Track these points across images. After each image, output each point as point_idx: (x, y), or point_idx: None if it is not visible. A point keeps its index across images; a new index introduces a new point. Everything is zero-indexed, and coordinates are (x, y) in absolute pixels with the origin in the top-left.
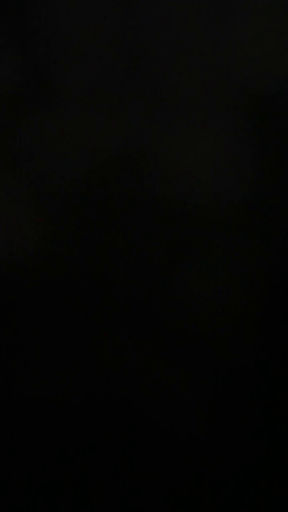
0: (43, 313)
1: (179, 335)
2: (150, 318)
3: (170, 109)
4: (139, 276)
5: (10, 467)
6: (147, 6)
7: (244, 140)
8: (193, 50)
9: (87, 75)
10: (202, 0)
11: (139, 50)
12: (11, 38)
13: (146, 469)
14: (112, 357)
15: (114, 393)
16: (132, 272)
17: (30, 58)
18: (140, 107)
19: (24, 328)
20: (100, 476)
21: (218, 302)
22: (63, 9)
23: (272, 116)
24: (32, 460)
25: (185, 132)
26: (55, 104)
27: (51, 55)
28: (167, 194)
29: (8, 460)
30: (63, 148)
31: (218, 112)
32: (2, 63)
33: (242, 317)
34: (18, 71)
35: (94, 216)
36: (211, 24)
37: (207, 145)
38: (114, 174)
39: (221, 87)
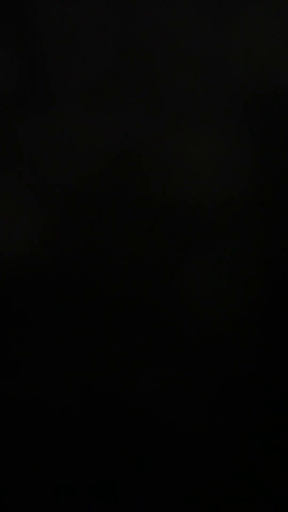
0: (43, 312)
1: (180, 335)
2: (150, 317)
3: (170, 109)
4: (139, 275)
5: (10, 467)
6: (147, 7)
7: (244, 140)
8: (193, 50)
9: (87, 76)
10: (202, 0)
11: (139, 51)
12: (11, 38)
13: (146, 469)
14: (112, 357)
15: (114, 393)
16: (132, 271)
17: (30, 58)
18: (140, 107)
19: (24, 327)
20: (100, 476)
21: (219, 302)
22: (63, 9)
23: (272, 116)
24: (32, 460)
25: (185, 132)
26: (55, 104)
27: (51, 55)
28: (167, 194)
29: (8, 461)
30: (63, 148)
31: (218, 112)
32: (2, 63)
33: (242, 316)
34: (18, 71)
35: (95, 216)
36: (211, 24)
37: (207, 145)
38: (114, 174)
39: (221, 87)
